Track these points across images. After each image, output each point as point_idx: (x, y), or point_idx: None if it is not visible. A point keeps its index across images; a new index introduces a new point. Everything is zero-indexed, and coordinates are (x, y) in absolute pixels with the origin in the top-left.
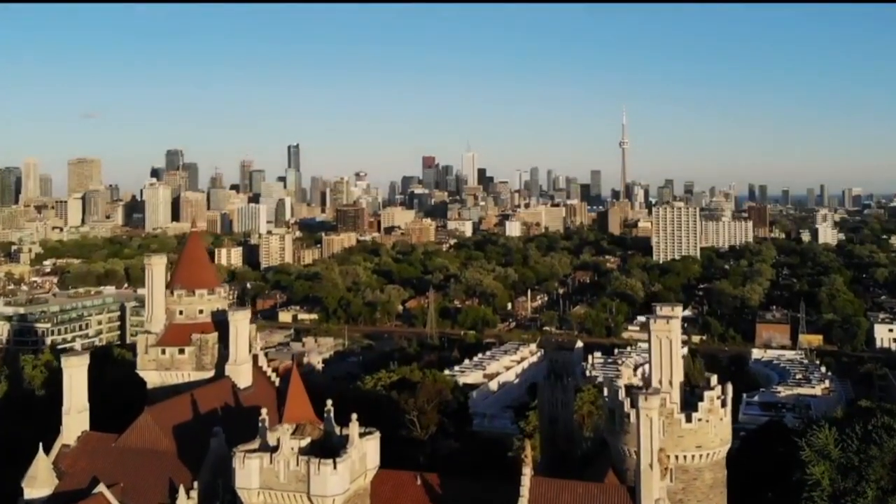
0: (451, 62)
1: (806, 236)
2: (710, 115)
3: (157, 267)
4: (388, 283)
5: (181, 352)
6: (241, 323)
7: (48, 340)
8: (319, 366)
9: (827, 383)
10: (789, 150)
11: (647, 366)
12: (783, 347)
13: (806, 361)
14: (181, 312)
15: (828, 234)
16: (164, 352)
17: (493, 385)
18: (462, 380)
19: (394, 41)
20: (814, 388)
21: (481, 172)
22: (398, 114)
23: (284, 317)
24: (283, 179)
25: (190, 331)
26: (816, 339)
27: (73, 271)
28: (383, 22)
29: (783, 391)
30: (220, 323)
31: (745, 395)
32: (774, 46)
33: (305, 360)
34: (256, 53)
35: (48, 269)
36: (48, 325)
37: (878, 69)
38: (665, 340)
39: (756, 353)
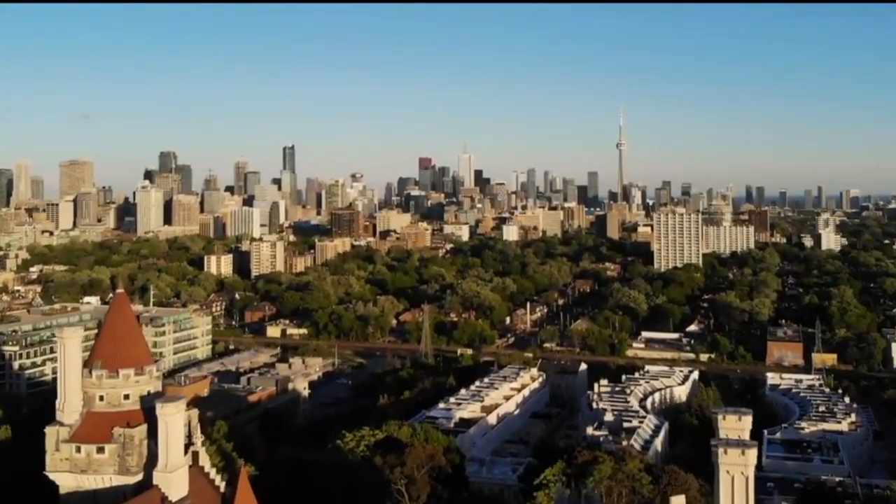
0: (447, 62)
1: (808, 241)
2: (708, 116)
3: (70, 341)
4: (382, 294)
5: (100, 450)
6: (172, 419)
7: (16, 365)
8: (305, 392)
9: (853, 417)
10: (787, 151)
11: (656, 395)
12: (796, 366)
13: (827, 390)
14: (101, 398)
15: (831, 240)
16: (78, 449)
17: (492, 418)
18: (458, 414)
19: (390, 41)
20: (840, 422)
21: (478, 174)
22: (395, 114)
23: (273, 331)
24: (277, 181)
25: (112, 422)
26: (830, 358)
27: (56, 280)
28: (379, 22)
29: (807, 427)
30: (150, 411)
31: (765, 433)
32: (772, 47)
33: (291, 385)
34: (252, 54)
35: (34, 276)
36: (16, 349)
37: (876, 70)
38: (739, 476)
39: (771, 378)
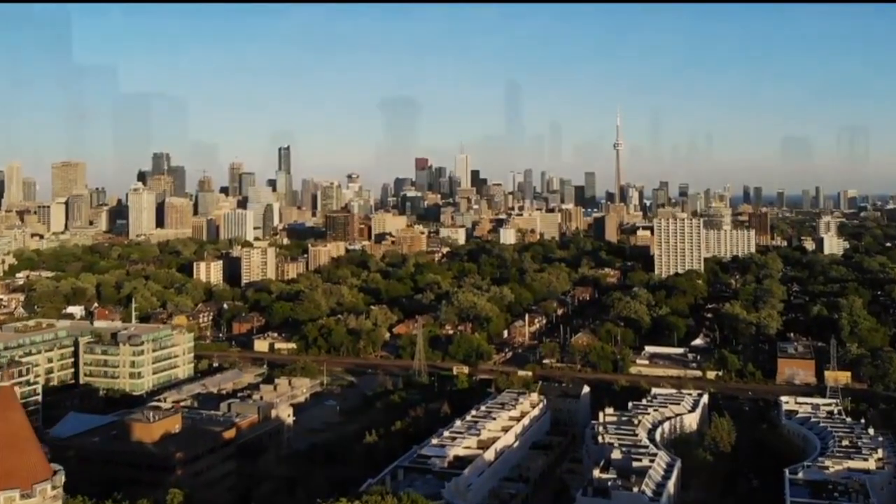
0: (444, 62)
1: (809, 244)
2: (705, 116)
3: None
4: (376, 302)
5: None
6: None
7: None
8: (290, 419)
9: (880, 452)
10: (784, 151)
11: (665, 424)
12: (807, 385)
13: (849, 420)
14: None
15: (833, 244)
16: None
17: (490, 454)
18: (452, 452)
19: (387, 41)
20: (866, 459)
21: (475, 174)
22: (392, 114)
23: (260, 345)
24: (273, 182)
25: None
26: (844, 377)
27: (39, 289)
28: (376, 22)
29: (831, 465)
30: None
31: (787, 472)
32: (768, 47)
33: (273, 413)
34: (247, 54)
35: (20, 283)
36: None
37: (875, 69)
38: None
39: (785, 402)
